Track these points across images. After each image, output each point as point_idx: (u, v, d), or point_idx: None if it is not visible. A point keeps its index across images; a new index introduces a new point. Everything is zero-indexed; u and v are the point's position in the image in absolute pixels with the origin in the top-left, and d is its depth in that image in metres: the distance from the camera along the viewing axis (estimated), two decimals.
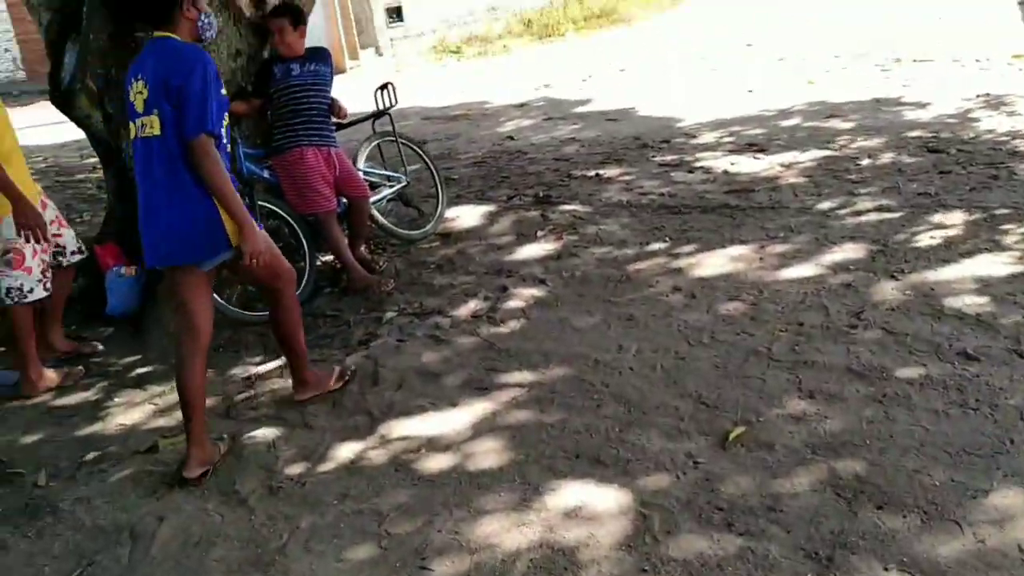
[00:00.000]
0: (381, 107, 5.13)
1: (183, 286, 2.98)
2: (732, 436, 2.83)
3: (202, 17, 2.95)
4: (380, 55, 14.12)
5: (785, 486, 2.56)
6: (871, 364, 3.15)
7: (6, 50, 16.73)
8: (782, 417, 2.91)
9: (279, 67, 4.45)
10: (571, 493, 2.65)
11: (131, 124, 2.93)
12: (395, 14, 14.64)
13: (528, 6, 16.45)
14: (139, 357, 4.06)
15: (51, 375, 3.79)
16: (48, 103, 4.85)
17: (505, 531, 2.52)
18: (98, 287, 4.46)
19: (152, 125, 2.83)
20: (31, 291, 3.63)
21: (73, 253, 3.97)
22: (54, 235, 3.82)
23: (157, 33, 2.91)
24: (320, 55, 4.59)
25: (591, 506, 2.58)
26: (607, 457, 2.81)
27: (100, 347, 4.15)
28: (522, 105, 8.96)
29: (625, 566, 2.32)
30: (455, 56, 14.03)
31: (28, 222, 3.48)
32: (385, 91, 5.14)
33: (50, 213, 3.84)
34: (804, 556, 2.26)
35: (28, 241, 3.53)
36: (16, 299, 3.62)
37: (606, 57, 11.39)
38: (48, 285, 3.70)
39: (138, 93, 2.86)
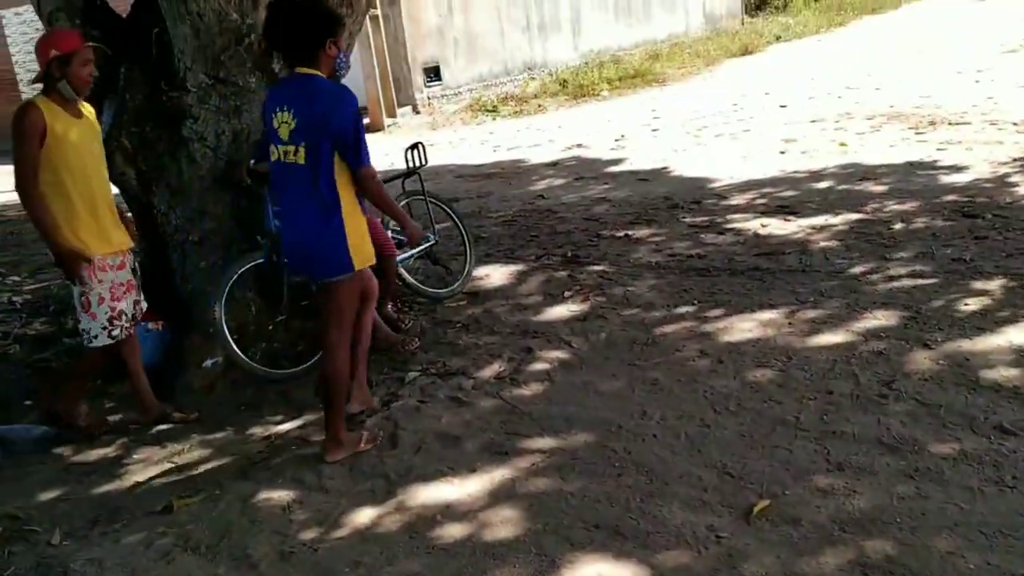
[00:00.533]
0: (411, 166, 5.19)
1: (325, 296, 3.34)
2: (757, 510, 2.73)
3: (340, 56, 3.33)
4: (417, 113, 14.37)
5: (811, 564, 2.45)
6: (903, 436, 3.04)
7: None
8: (809, 491, 2.81)
9: None
10: (588, 568, 2.57)
11: (273, 147, 3.27)
12: (433, 73, 14.92)
13: (564, 65, 16.69)
14: (150, 421, 4.06)
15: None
16: None
17: None
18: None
19: (297, 155, 3.16)
20: (96, 337, 3.67)
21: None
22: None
23: (300, 70, 3.20)
24: None
25: None
26: (627, 529, 2.73)
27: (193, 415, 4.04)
28: (555, 164, 9.01)
29: None
30: (491, 115, 14.22)
31: (65, 265, 3.55)
32: (415, 151, 5.20)
33: (123, 275, 3.78)
34: None
35: (93, 287, 3.60)
36: (85, 341, 3.71)
37: (639, 117, 11.46)
38: (114, 333, 3.70)
39: (283, 123, 3.19)
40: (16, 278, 6.65)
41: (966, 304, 4.08)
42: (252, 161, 4.49)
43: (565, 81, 16.05)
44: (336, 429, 3.38)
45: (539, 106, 14.70)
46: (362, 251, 3.29)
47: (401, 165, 5.24)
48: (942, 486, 2.74)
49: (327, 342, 3.35)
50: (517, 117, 13.71)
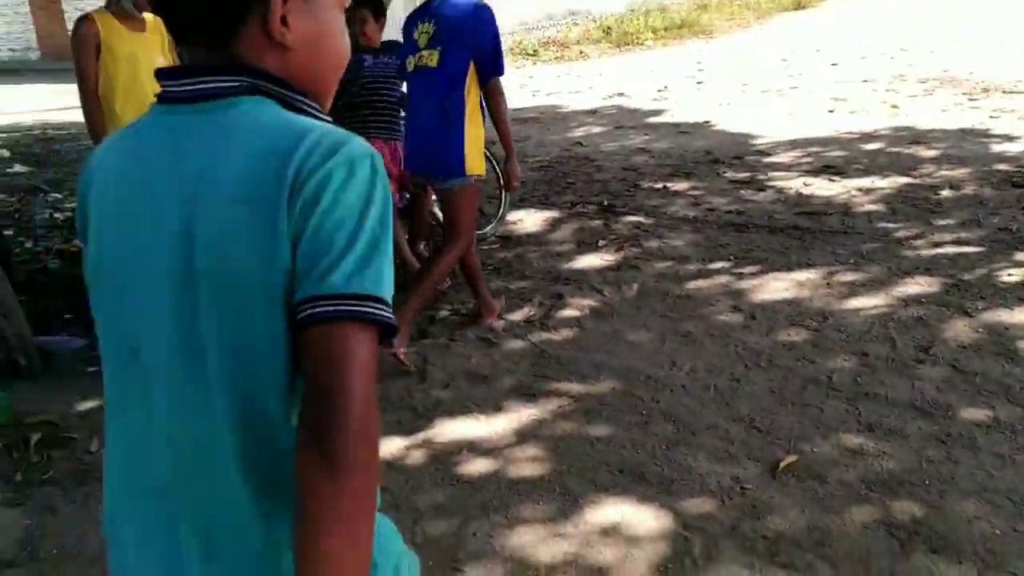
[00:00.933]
0: None
1: (444, 204, 3.79)
2: (783, 465, 2.73)
3: None
4: None
5: (835, 521, 2.45)
6: (936, 401, 3.01)
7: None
8: (838, 449, 2.80)
9: (352, 57, 4.48)
10: (611, 509, 2.59)
11: (410, 58, 3.62)
12: None
13: (608, 12, 16.36)
14: None
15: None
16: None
17: (541, 541, 2.48)
18: None
19: (430, 58, 3.51)
20: None
21: None
22: None
23: None
24: (393, 49, 4.62)
25: (630, 524, 2.52)
26: (651, 475, 2.74)
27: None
28: (594, 112, 8.89)
29: None
30: (532, 59, 14.02)
31: None
32: None
33: None
34: None
35: None
36: None
37: (684, 68, 11.23)
38: None
39: (423, 32, 3.55)
40: (58, 195, 6.73)
41: (1009, 275, 3.99)
42: None
43: (609, 28, 15.74)
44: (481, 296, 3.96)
45: (581, 52, 14.46)
46: (475, 159, 3.59)
47: None
48: (973, 452, 2.71)
49: (444, 247, 3.71)
50: (558, 63, 13.51)
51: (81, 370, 3.72)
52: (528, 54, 14.64)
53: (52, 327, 4.07)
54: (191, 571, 0.99)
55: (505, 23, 16.18)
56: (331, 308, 0.89)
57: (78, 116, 3.75)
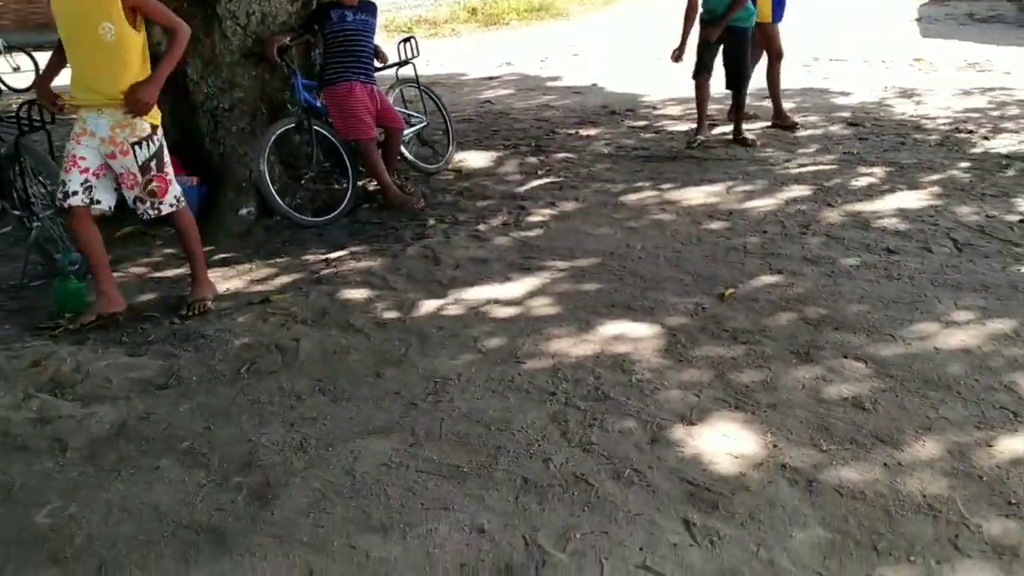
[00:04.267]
0: (405, 57, 5.97)
1: None
2: (727, 294, 3.84)
3: None
4: None
5: (769, 320, 3.58)
6: (821, 255, 4.23)
7: None
8: (761, 285, 3.94)
9: (335, 12, 5.24)
10: (615, 326, 3.60)
11: None
12: None
13: None
14: (211, 248, 4.75)
15: None
16: None
17: (573, 345, 3.44)
18: None
19: None
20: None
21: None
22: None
23: None
24: (370, 8, 5.40)
25: (632, 332, 3.53)
26: (637, 306, 3.77)
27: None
28: (493, 78, 9.87)
29: (665, 361, 3.28)
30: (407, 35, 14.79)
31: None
32: (408, 43, 5.99)
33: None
34: (790, 353, 3.28)
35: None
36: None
37: (554, 43, 12.40)
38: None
39: None
40: None
41: (857, 181, 5.34)
42: (288, 38, 5.19)
43: (475, 9, 16.74)
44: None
45: (452, 30, 15.38)
46: None
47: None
48: (851, 280, 3.93)
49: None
50: (433, 39, 14.34)
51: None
52: (403, 30, 15.37)
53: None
54: None
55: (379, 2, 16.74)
56: None
57: None
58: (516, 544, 2.30)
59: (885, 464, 2.57)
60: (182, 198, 3.98)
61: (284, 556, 2.28)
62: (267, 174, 4.89)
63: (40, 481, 2.63)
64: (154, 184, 3.81)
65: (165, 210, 3.88)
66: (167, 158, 3.87)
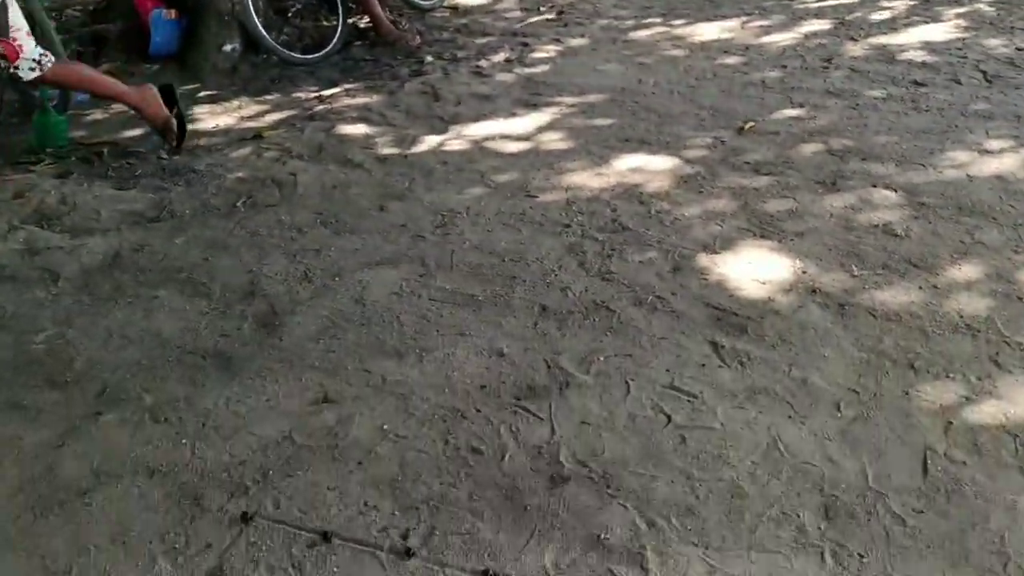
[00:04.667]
0: None
1: None
2: (746, 127, 3.64)
3: None
4: None
5: (793, 153, 3.40)
6: (844, 88, 4.00)
7: None
8: (782, 119, 3.73)
9: None
10: (631, 158, 3.41)
11: None
12: None
13: None
14: (196, 86, 4.47)
15: None
16: None
17: (588, 179, 3.26)
18: (137, 30, 4.79)
19: None
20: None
21: None
22: None
23: None
24: None
25: (649, 165, 3.35)
26: (652, 140, 3.58)
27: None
28: None
29: (685, 191, 3.12)
30: None
31: None
32: None
33: None
34: (816, 183, 3.12)
35: None
36: None
37: None
38: None
39: None
40: None
41: (879, 15, 5.04)
42: None
43: None
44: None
45: None
46: None
47: None
48: (877, 112, 3.72)
49: None
50: None
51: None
52: None
53: None
54: None
55: None
56: None
57: None
58: (538, 366, 2.21)
59: (920, 287, 2.46)
60: (45, 60, 3.45)
61: (296, 379, 2.18)
62: (251, 5, 4.55)
63: (33, 309, 2.49)
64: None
65: (27, 75, 3.51)
66: (12, 22, 3.43)
